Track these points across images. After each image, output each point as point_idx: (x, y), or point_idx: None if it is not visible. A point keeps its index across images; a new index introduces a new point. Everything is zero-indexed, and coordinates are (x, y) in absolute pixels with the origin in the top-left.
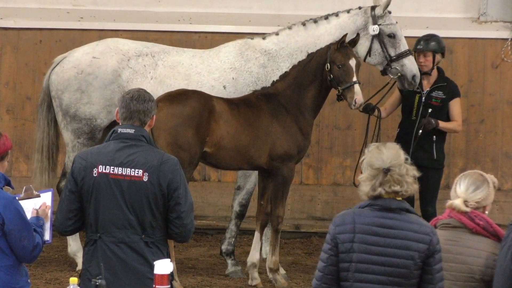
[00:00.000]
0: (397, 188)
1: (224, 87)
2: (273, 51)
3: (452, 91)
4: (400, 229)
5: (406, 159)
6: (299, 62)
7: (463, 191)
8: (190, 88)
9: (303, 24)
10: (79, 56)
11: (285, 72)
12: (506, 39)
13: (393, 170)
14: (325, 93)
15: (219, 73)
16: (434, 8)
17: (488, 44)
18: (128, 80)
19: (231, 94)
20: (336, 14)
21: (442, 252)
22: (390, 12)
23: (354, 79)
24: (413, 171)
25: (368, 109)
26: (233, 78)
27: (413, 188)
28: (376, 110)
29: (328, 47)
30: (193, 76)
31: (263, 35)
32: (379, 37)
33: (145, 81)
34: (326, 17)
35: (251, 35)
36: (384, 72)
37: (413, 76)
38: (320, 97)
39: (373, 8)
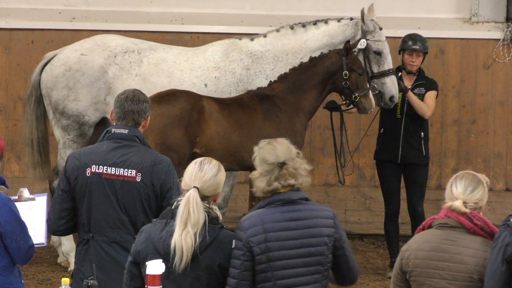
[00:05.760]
0: (292, 181)
1: (206, 85)
2: (258, 53)
3: (430, 85)
4: (308, 218)
5: (298, 153)
6: (300, 64)
7: (461, 192)
8: (172, 85)
9: (291, 27)
10: (68, 53)
11: (284, 73)
12: (498, 40)
13: (287, 164)
14: (324, 97)
15: (202, 71)
16: (426, 9)
17: (479, 45)
18: (114, 76)
19: (212, 93)
20: (326, 21)
21: (439, 252)
22: (381, 28)
23: (368, 85)
24: (305, 165)
25: (330, 106)
26: (215, 77)
27: (306, 180)
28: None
29: (338, 53)
30: (175, 73)
31: (251, 36)
32: (365, 51)
33: (129, 78)
34: (315, 23)
35: (241, 35)
36: None
37: (391, 97)
38: (319, 101)
39: (364, 21)
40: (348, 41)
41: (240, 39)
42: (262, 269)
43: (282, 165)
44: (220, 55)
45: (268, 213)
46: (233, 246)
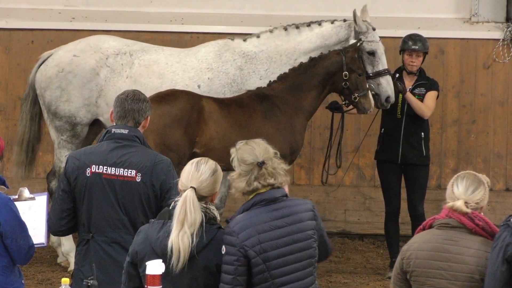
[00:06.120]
0: (272, 180)
1: (199, 86)
2: (252, 53)
3: (431, 85)
4: (293, 214)
5: (275, 153)
6: (300, 65)
7: (462, 192)
8: (163, 87)
9: (285, 28)
10: (62, 54)
11: (284, 73)
12: (498, 40)
13: (266, 163)
14: (323, 98)
15: (195, 72)
16: (426, 9)
17: (479, 45)
18: (105, 78)
19: (205, 94)
20: (319, 23)
21: (440, 252)
22: (374, 29)
23: (367, 86)
24: (282, 164)
25: (332, 107)
26: (208, 78)
27: (285, 180)
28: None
29: (338, 54)
30: (167, 75)
31: (244, 37)
32: (358, 52)
33: (120, 80)
34: (309, 24)
35: (241, 35)
36: None
37: (387, 98)
38: (319, 101)
39: (356, 22)
40: (359, 40)
41: (232, 39)
42: (259, 270)
43: (261, 164)
44: (213, 56)
45: (255, 214)
46: (223, 251)
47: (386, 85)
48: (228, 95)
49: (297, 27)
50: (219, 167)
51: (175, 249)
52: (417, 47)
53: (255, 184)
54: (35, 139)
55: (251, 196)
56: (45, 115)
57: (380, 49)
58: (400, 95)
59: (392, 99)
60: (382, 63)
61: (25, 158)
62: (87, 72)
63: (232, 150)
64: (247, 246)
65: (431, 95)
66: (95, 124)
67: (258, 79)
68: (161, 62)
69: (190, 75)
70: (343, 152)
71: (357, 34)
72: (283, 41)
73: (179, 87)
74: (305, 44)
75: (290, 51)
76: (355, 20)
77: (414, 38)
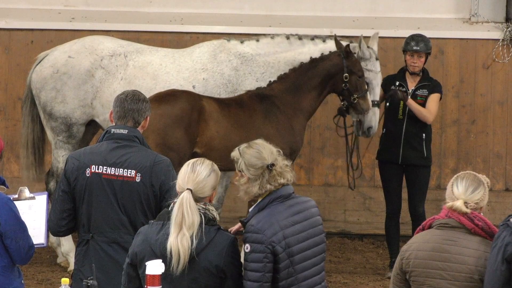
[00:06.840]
0: (282, 180)
1: (194, 87)
2: (248, 55)
3: (434, 87)
4: (306, 209)
5: (278, 151)
6: (301, 65)
7: (462, 192)
8: (158, 88)
9: (287, 37)
10: (57, 55)
11: (284, 73)
12: (497, 40)
13: (275, 164)
14: (323, 98)
15: (189, 73)
16: (425, 9)
17: (479, 45)
18: (100, 80)
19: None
20: (324, 40)
21: (440, 252)
22: (377, 59)
23: (366, 87)
24: (285, 161)
25: (343, 111)
26: (203, 79)
27: (292, 176)
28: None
29: (339, 56)
30: (161, 76)
31: (241, 38)
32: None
33: (115, 82)
34: (313, 39)
35: (240, 35)
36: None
37: (369, 128)
38: (318, 102)
39: (361, 47)
40: (348, 45)
41: (228, 40)
42: (284, 266)
43: (271, 166)
44: (208, 56)
45: (276, 211)
46: (247, 250)
47: (372, 116)
48: (224, 95)
49: (300, 38)
50: (216, 167)
51: (175, 251)
52: (418, 48)
53: (268, 186)
54: (39, 139)
55: (263, 196)
56: (42, 115)
57: (376, 79)
58: (401, 102)
59: (374, 131)
60: (374, 94)
61: (33, 160)
62: (82, 74)
63: (235, 154)
64: (274, 242)
65: (433, 98)
66: (92, 124)
67: (254, 81)
68: (155, 63)
69: (185, 76)
70: (343, 152)
71: (359, 59)
72: (283, 49)
73: (173, 87)
74: (307, 56)
75: (290, 60)
76: (359, 45)
77: (416, 38)
